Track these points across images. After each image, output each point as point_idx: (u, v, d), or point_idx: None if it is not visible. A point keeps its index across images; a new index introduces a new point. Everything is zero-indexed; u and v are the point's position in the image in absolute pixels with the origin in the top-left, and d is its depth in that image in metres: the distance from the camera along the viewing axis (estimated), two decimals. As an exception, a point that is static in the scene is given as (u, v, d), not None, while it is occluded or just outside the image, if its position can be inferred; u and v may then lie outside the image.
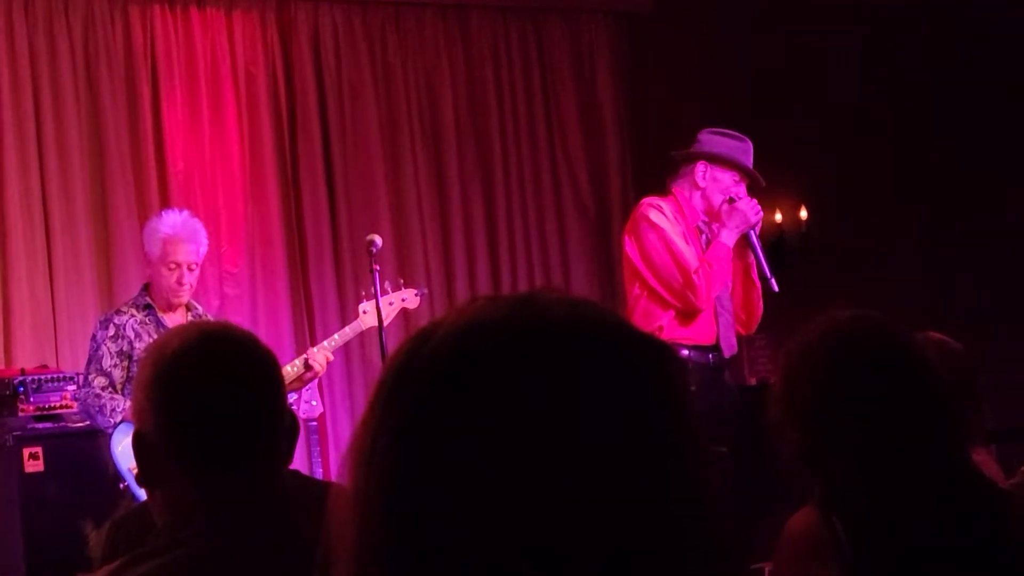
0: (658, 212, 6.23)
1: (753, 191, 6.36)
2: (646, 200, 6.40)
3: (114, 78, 8.22)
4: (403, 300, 6.84)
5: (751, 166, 6.34)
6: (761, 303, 6.44)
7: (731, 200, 6.23)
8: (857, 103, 9.76)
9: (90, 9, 8.21)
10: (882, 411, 2.64)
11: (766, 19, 9.72)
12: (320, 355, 6.46)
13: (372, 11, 9.06)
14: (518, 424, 1.12)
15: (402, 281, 7.04)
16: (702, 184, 6.28)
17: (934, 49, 9.83)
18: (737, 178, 6.30)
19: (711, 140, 6.38)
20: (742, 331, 6.52)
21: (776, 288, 6.33)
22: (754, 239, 6.30)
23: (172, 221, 6.38)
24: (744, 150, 6.35)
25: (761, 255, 6.34)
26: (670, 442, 1.17)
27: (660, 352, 1.21)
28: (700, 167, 6.30)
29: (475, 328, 1.17)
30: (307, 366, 6.37)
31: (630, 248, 6.32)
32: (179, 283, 6.26)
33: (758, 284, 6.39)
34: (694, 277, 6.07)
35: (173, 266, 6.25)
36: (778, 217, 9.65)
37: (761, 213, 6.29)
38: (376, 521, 1.15)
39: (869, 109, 9.77)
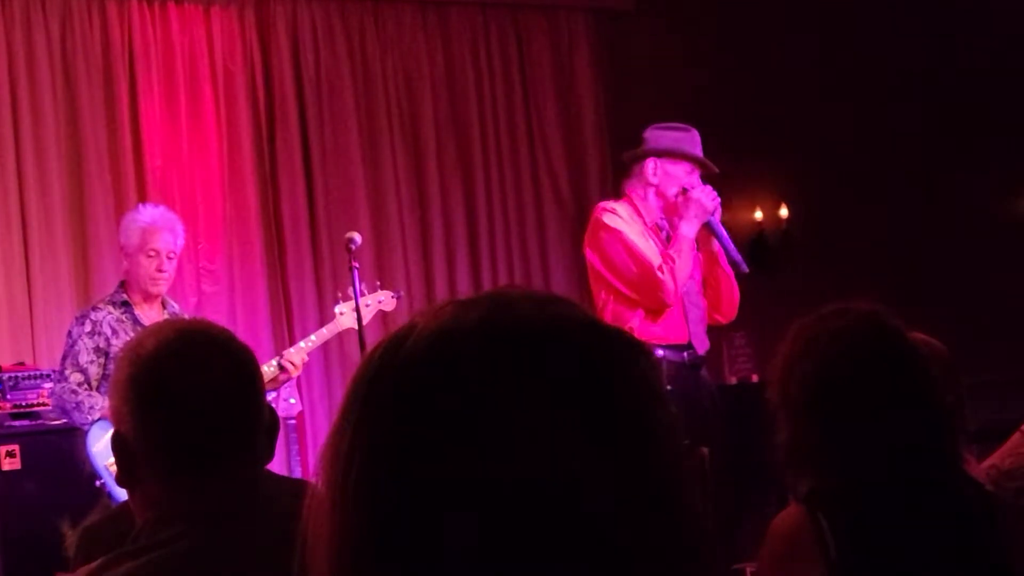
0: (612, 215, 6.21)
1: (710, 180, 6.33)
2: (600, 205, 6.41)
3: (91, 73, 8.19)
4: (379, 302, 6.86)
5: (700, 155, 6.32)
6: (736, 288, 6.41)
7: (684, 191, 6.21)
8: (839, 101, 9.77)
9: (67, 4, 8.19)
10: (879, 408, 2.63)
11: (748, 17, 9.73)
12: (295, 356, 6.45)
13: (351, 7, 9.04)
14: (493, 426, 1.12)
15: (378, 283, 7.04)
16: (654, 181, 6.26)
17: (918, 47, 9.85)
18: (688, 168, 6.28)
19: (656, 136, 6.35)
20: (722, 320, 6.50)
21: (746, 269, 6.35)
22: (716, 225, 6.28)
23: (150, 212, 6.38)
24: (691, 140, 6.33)
25: (727, 240, 6.33)
26: (646, 438, 1.17)
27: (632, 348, 1.21)
28: (649, 164, 6.27)
29: (448, 332, 1.17)
30: (281, 367, 6.36)
31: (591, 256, 6.30)
32: (159, 270, 6.24)
33: (729, 270, 6.37)
34: (658, 274, 6.05)
35: (152, 253, 6.22)
36: (758, 215, 9.66)
37: (718, 199, 6.25)
38: (353, 526, 1.15)
39: (850, 107, 9.78)
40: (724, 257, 6.35)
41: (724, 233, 6.34)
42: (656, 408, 1.19)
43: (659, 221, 6.30)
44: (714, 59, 9.71)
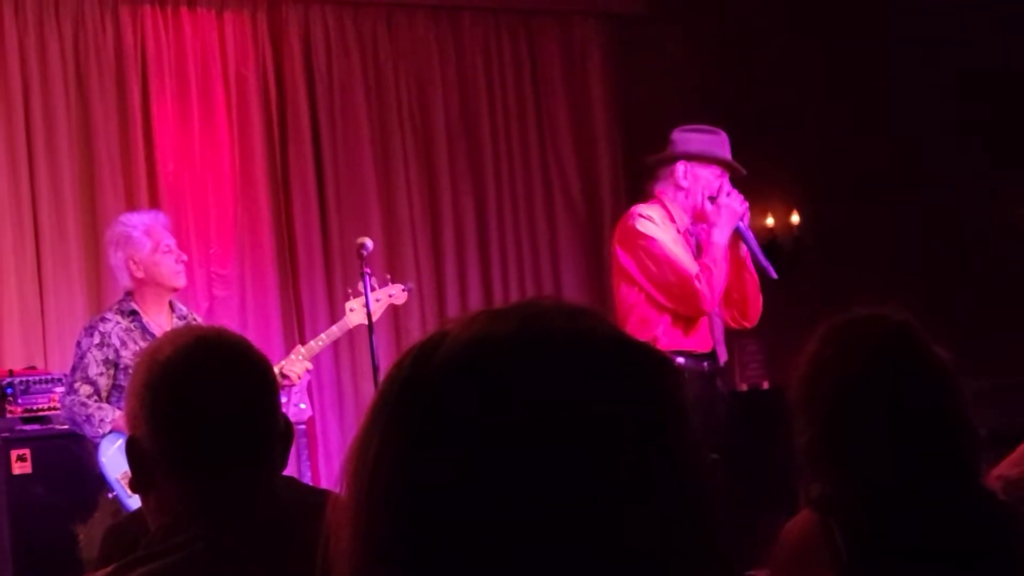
0: (647, 221, 6.15)
1: (737, 183, 6.32)
2: (635, 209, 6.31)
3: (104, 79, 8.21)
4: (390, 296, 6.80)
5: (729, 157, 6.30)
6: (760, 295, 6.40)
7: (712, 199, 6.18)
8: (852, 106, 9.75)
9: (80, 9, 8.20)
10: (905, 418, 2.63)
11: (759, 22, 9.72)
12: (297, 366, 6.43)
13: (363, 12, 9.05)
14: (525, 437, 1.12)
15: (388, 276, 7.01)
16: (684, 184, 6.22)
17: (929, 52, 9.83)
18: (718, 172, 6.25)
19: (685, 138, 6.31)
20: (747, 325, 6.47)
21: (775, 275, 6.30)
22: (744, 230, 6.25)
23: (138, 217, 6.39)
24: (720, 142, 6.30)
25: (755, 245, 6.31)
26: (672, 451, 1.18)
27: (659, 363, 1.22)
28: (680, 167, 6.22)
29: (481, 342, 1.18)
30: (283, 375, 6.35)
31: (625, 259, 6.21)
32: (179, 261, 6.25)
33: (755, 275, 6.35)
34: (696, 283, 6.00)
35: (167, 248, 6.22)
36: (770, 221, 9.65)
37: (747, 204, 6.24)
38: (377, 534, 1.16)
39: (863, 112, 9.77)
40: (751, 261, 6.33)
41: (752, 238, 6.32)
42: (683, 423, 1.21)
43: (689, 226, 6.28)
44: (725, 64, 9.70)
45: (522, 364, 1.16)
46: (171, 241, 6.28)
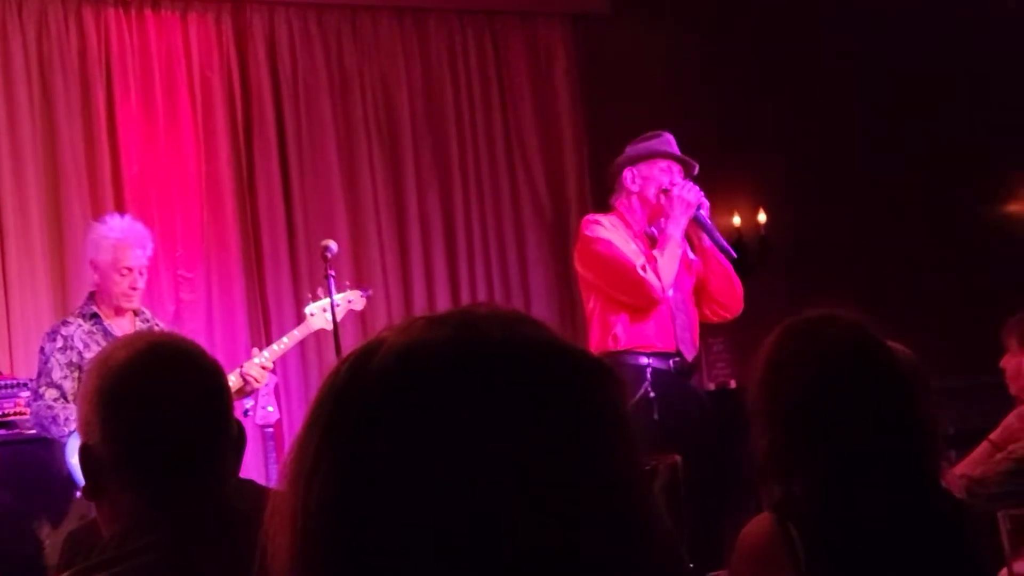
0: (595, 225, 6.32)
1: (703, 182, 6.40)
2: (586, 218, 6.52)
3: (68, 80, 8.18)
4: (349, 302, 6.84)
5: (674, 152, 6.40)
6: (737, 282, 6.46)
7: (665, 192, 6.28)
8: (815, 105, 9.78)
9: (43, 11, 8.17)
10: (862, 420, 2.63)
11: (724, 22, 9.75)
12: (254, 369, 6.44)
13: (328, 14, 9.04)
14: (458, 444, 1.13)
15: (348, 283, 7.03)
16: (635, 188, 6.37)
17: (895, 52, 9.87)
18: (663, 166, 6.35)
19: (630, 148, 6.47)
20: (728, 316, 6.54)
21: (735, 255, 6.42)
22: (703, 218, 6.35)
23: (119, 226, 6.36)
24: (663, 141, 6.45)
25: (713, 230, 6.41)
26: (607, 459, 1.18)
27: (596, 371, 1.22)
28: (627, 173, 6.38)
29: (414, 350, 1.18)
30: (244, 379, 6.36)
31: (581, 266, 6.42)
32: (132, 288, 6.25)
33: (726, 265, 6.42)
34: (639, 272, 6.11)
35: (125, 272, 6.23)
36: (736, 220, 9.67)
37: (702, 193, 6.31)
38: (314, 537, 1.16)
39: (828, 112, 9.80)
40: (719, 252, 6.40)
41: (711, 225, 6.41)
42: (618, 431, 1.20)
43: (648, 230, 6.35)
44: (690, 63, 9.72)
45: (456, 371, 1.16)
46: (136, 264, 6.28)
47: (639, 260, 6.15)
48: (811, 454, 2.65)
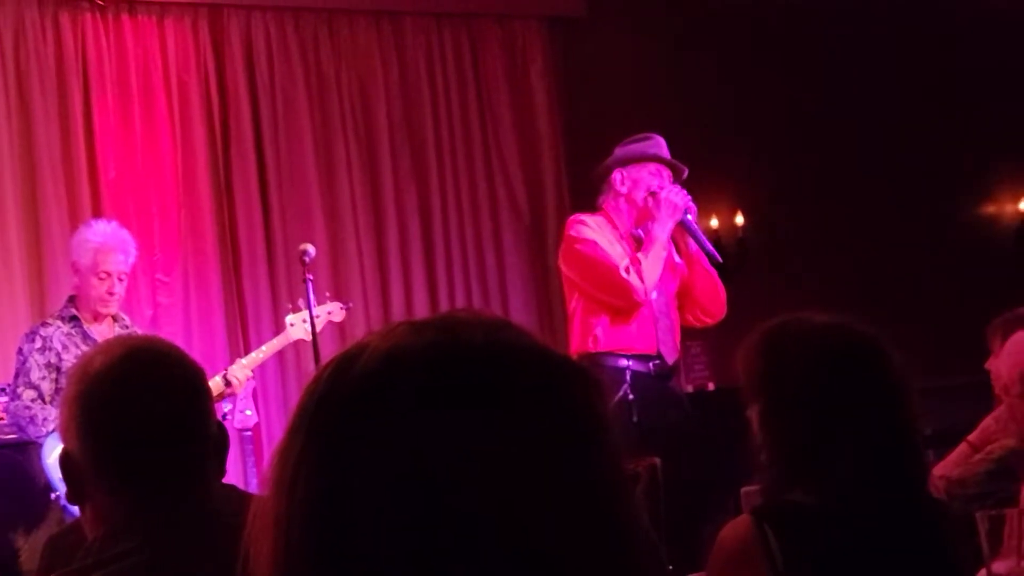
0: (582, 225, 6.35)
1: (682, 184, 6.42)
2: (572, 217, 6.55)
3: (45, 85, 8.16)
4: (329, 313, 6.87)
5: (664, 155, 6.42)
6: (721, 287, 6.48)
7: (653, 194, 6.30)
8: (792, 108, 9.81)
9: (20, 15, 8.15)
10: (858, 418, 2.62)
11: (699, 24, 9.76)
12: (239, 371, 6.45)
13: (305, 19, 9.03)
14: (435, 450, 1.13)
15: (328, 294, 7.05)
16: (623, 190, 6.39)
17: (875, 54, 9.90)
18: (653, 170, 6.38)
19: (620, 150, 6.50)
20: (710, 321, 6.57)
21: (720, 260, 6.47)
22: (689, 222, 6.37)
23: (102, 231, 6.36)
24: (654, 144, 6.48)
25: (700, 234, 6.44)
26: (588, 462, 1.18)
27: (577, 376, 1.23)
28: (616, 174, 6.41)
29: (399, 355, 1.19)
30: (227, 382, 6.37)
31: (565, 266, 6.46)
32: (109, 293, 6.25)
33: (711, 271, 6.44)
34: (622, 274, 6.13)
35: (104, 276, 6.23)
36: (714, 223, 9.68)
37: (689, 197, 6.33)
38: (295, 541, 1.16)
39: (804, 113, 9.83)
40: (704, 257, 6.41)
41: (697, 229, 6.43)
42: (597, 433, 1.21)
43: (634, 232, 6.37)
44: (667, 65, 9.74)
45: (438, 376, 1.16)
46: (115, 269, 6.28)
47: (623, 262, 6.17)
48: (788, 458, 2.65)
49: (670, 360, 6.38)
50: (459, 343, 1.19)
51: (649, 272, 6.19)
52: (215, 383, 6.32)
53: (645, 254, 6.21)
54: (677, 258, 6.46)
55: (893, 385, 2.68)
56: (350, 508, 1.14)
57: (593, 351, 6.16)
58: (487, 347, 1.19)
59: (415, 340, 1.19)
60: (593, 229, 6.29)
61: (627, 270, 6.14)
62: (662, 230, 6.25)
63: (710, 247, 6.42)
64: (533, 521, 1.13)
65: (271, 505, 1.19)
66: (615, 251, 6.22)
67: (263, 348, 6.66)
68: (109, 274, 6.24)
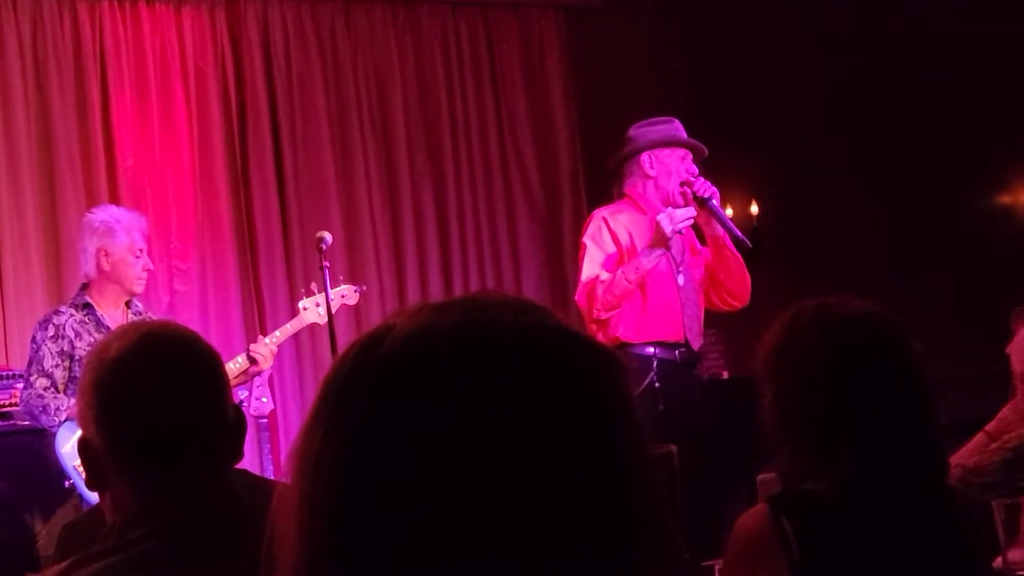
0: (591, 222, 6.35)
1: (699, 162, 6.40)
2: (594, 212, 6.51)
3: (63, 74, 8.19)
4: (343, 296, 6.82)
5: (687, 139, 6.42)
6: (746, 273, 6.44)
7: (682, 184, 6.26)
8: (808, 97, 9.79)
9: (38, 4, 8.18)
10: (865, 411, 2.61)
11: (717, 15, 9.75)
12: (264, 348, 6.41)
13: (322, 8, 9.05)
14: (467, 430, 1.13)
15: (341, 277, 7.02)
16: (652, 173, 6.35)
17: (887, 44, 9.88)
18: (682, 155, 6.36)
19: (643, 132, 6.44)
20: (737, 305, 6.51)
21: (749, 244, 6.39)
22: (717, 208, 6.32)
23: (119, 213, 6.37)
24: (676, 128, 6.45)
25: (726, 218, 6.40)
26: (612, 445, 1.18)
27: (603, 358, 1.22)
28: (644, 157, 6.36)
29: (425, 335, 1.18)
30: (251, 359, 6.33)
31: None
32: (145, 269, 6.25)
33: (737, 254, 6.40)
34: (596, 285, 6.12)
35: (139, 253, 6.23)
36: (729, 212, 9.67)
37: (714, 188, 6.27)
38: (321, 524, 1.16)
39: (820, 103, 9.81)
40: (729, 240, 6.38)
41: (724, 214, 6.40)
42: (623, 416, 1.20)
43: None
44: (684, 56, 9.73)
45: (465, 357, 1.16)
46: (144, 247, 6.29)
47: (604, 274, 6.14)
48: (808, 448, 2.64)
49: (696, 346, 6.39)
50: (486, 324, 1.18)
51: (612, 294, 6.09)
52: (238, 362, 6.29)
53: (622, 272, 6.14)
54: (699, 244, 6.45)
55: (915, 374, 2.66)
56: (376, 492, 1.13)
57: (620, 339, 6.15)
58: (514, 329, 1.18)
59: (442, 320, 1.18)
60: (607, 233, 6.25)
61: (603, 282, 6.10)
62: (648, 260, 6.13)
63: (738, 232, 6.36)
64: (562, 505, 1.13)
65: (296, 487, 1.18)
66: (604, 254, 6.20)
67: (276, 333, 6.63)
68: (143, 251, 6.26)
